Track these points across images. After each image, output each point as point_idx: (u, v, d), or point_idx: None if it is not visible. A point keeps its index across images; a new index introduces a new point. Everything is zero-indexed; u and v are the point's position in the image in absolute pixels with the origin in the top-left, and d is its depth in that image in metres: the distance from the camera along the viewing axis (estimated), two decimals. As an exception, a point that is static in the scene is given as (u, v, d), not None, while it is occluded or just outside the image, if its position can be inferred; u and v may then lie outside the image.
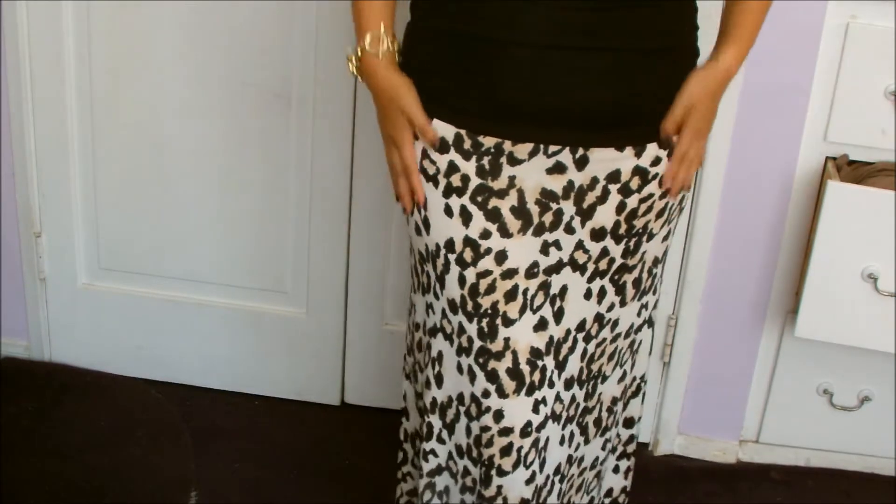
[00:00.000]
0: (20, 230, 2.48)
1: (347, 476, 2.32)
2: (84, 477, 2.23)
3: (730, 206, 2.24)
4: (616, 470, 1.88)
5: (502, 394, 1.59)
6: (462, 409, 1.63)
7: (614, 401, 1.75)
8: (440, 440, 1.68)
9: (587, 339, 1.64)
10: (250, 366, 2.54)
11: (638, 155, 1.52)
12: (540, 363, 1.60)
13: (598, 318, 1.64)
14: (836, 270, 2.08)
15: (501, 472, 1.61)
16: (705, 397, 2.42)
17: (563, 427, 1.67)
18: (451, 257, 1.56)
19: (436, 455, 1.70)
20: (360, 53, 1.55)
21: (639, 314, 1.70)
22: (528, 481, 1.63)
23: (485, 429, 1.61)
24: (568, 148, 1.50)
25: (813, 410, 2.38)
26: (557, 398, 1.63)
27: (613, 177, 1.53)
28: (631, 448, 1.88)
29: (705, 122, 1.55)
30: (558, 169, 1.51)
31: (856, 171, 2.14)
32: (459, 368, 1.61)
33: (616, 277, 1.62)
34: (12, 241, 2.50)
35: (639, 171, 1.53)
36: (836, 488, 2.38)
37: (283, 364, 2.53)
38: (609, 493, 1.90)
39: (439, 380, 1.64)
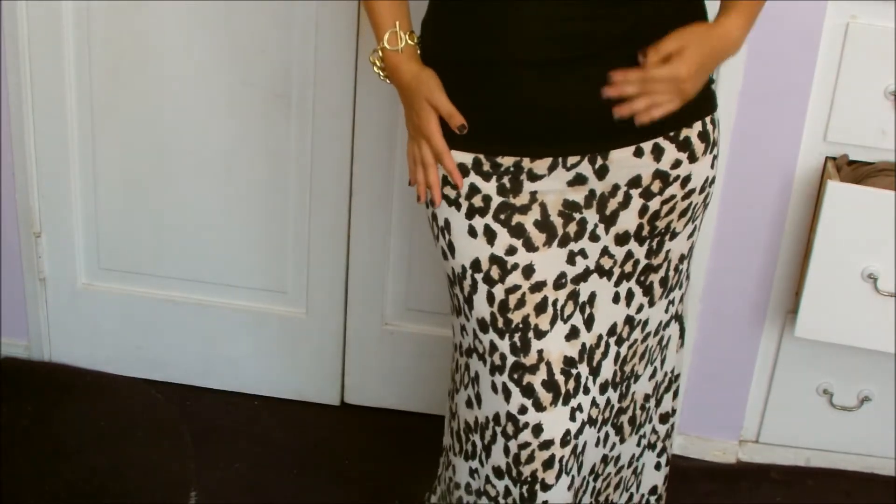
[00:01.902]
0: (20, 230, 2.48)
1: (347, 476, 2.32)
2: (84, 477, 2.23)
3: (730, 206, 2.24)
4: (658, 467, 1.88)
5: (539, 407, 1.59)
6: (499, 429, 1.62)
7: (646, 398, 1.76)
8: (481, 461, 1.68)
9: (619, 343, 1.65)
10: (250, 366, 2.54)
11: (657, 159, 1.53)
12: (574, 371, 1.60)
13: (629, 320, 1.65)
14: (836, 270, 2.08)
15: (546, 487, 1.62)
16: (705, 397, 2.42)
17: (599, 430, 1.68)
18: (479, 277, 1.57)
19: (476, 477, 1.70)
20: (380, 53, 1.56)
21: (666, 311, 1.71)
22: (570, 487, 1.64)
23: (524, 445, 1.61)
24: (587, 159, 1.51)
25: (813, 410, 2.38)
26: (593, 403, 1.64)
27: (634, 182, 1.54)
28: (669, 443, 1.88)
29: (687, 73, 1.45)
30: (579, 181, 1.53)
31: (856, 171, 2.14)
32: (494, 388, 1.61)
33: (642, 279, 1.63)
34: (12, 241, 2.50)
35: (659, 175, 1.54)
36: (836, 488, 2.38)
37: (283, 364, 2.53)
38: (654, 490, 1.90)
39: (479, 400, 1.65)
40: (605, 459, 1.74)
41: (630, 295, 1.63)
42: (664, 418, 1.84)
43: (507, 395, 1.60)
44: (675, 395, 1.84)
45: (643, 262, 1.62)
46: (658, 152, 1.53)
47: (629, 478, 1.82)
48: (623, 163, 1.52)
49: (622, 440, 1.76)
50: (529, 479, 1.62)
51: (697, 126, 1.56)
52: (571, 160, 1.51)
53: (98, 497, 2.18)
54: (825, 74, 2.11)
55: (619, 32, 1.44)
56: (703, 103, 1.56)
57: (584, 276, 1.59)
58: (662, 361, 1.77)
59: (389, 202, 2.34)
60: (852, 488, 2.38)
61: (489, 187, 1.54)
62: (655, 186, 1.55)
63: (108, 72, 2.34)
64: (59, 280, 2.53)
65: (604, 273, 1.60)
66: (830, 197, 2.04)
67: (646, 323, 1.68)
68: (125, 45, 2.31)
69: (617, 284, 1.61)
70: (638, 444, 1.80)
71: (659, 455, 1.87)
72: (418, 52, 1.56)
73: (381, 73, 1.58)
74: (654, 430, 1.82)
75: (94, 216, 2.47)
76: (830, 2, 2.06)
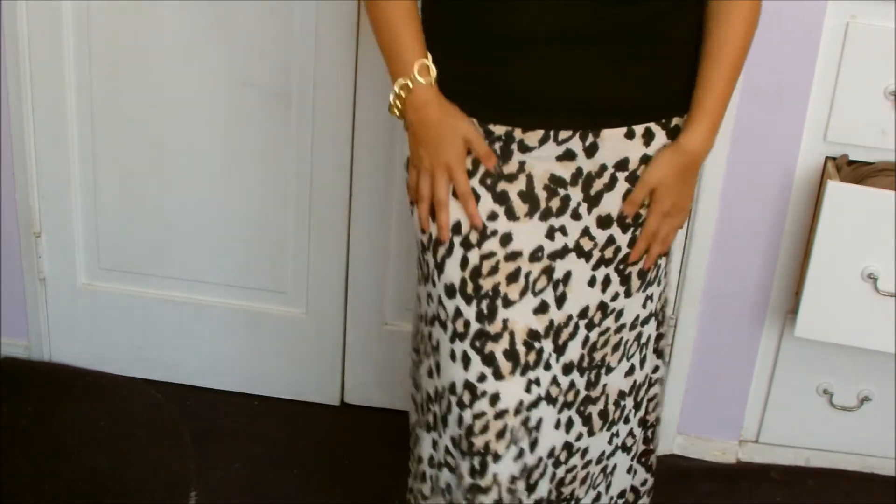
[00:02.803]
0: (20, 230, 2.48)
1: (347, 476, 2.32)
2: (84, 477, 2.23)
3: (730, 206, 2.24)
4: (630, 471, 1.85)
5: (499, 376, 1.58)
6: (454, 398, 1.61)
7: (622, 395, 1.74)
8: (438, 432, 1.67)
9: (589, 327, 1.64)
10: (250, 366, 2.54)
11: (647, 144, 1.54)
12: (537, 345, 1.59)
13: (602, 306, 1.63)
14: (836, 270, 2.08)
15: (497, 458, 1.60)
16: (705, 397, 2.42)
17: (560, 411, 1.66)
18: (457, 239, 1.57)
19: (437, 449, 1.69)
20: (410, 85, 1.49)
21: (644, 305, 1.69)
22: (517, 458, 1.62)
23: (479, 415, 1.59)
24: (578, 135, 1.51)
25: (813, 410, 2.38)
26: (554, 381, 1.63)
27: (622, 165, 1.54)
28: (650, 448, 1.86)
29: (674, 204, 1.57)
30: (568, 156, 1.53)
31: (856, 171, 2.14)
32: (452, 356, 1.60)
33: (621, 267, 1.62)
34: (12, 241, 2.50)
35: (647, 160, 1.55)
36: (835, 488, 2.38)
37: (283, 364, 2.53)
38: (622, 493, 1.87)
39: (438, 369, 1.64)
40: (569, 448, 1.70)
41: (607, 281, 1.61)
42: (643, 423, 1.81)
43: (467, 362, 1.58)
44: (657, 402, 1.82)
45: (625, 250, 1.60)
46: (648, 137, 1.54)
47: (597, 475, 1.78)
48: (613, 143, 1.52)
49: (591, 432, 1.72)
50: (482, 450, 1.60)
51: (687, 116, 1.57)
52: (563, 134, 1.51)
53: (98, 497, 2.18)
54: (825, 74, 2.11)
55: (622, 19, 1.45)
56: (692, 91, 1.58)
57: (561, 254, 1.58)
58: (642, 361, 1.74)
59: (389, 202, 2.34)
60: (852, 488, 2.38)
61: None
62: (641, 171, 1.56)
63: (108, 72, 2.34)
64: (59, 280, 2.53)
65: (582, 254, 1.59)
66: (830, 197, 2.04)
67: (620, 313, 1.65)
68: (125, 45, 2.31)
69: (595, 268, 1.60)
70: (609, 442, 1.76)
71: (633, 459, 1.83)
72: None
73: (399, 110, 1.52)
74: (630, 433, 1.79)
75: (94, 216, 2.47)
76: (830, 2, 2.06)
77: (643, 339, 1.73)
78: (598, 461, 1.77)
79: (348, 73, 2.26)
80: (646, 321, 1.71)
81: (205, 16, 2.26)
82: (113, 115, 2.37)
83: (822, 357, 2.31)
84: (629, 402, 1.76)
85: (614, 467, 1.80)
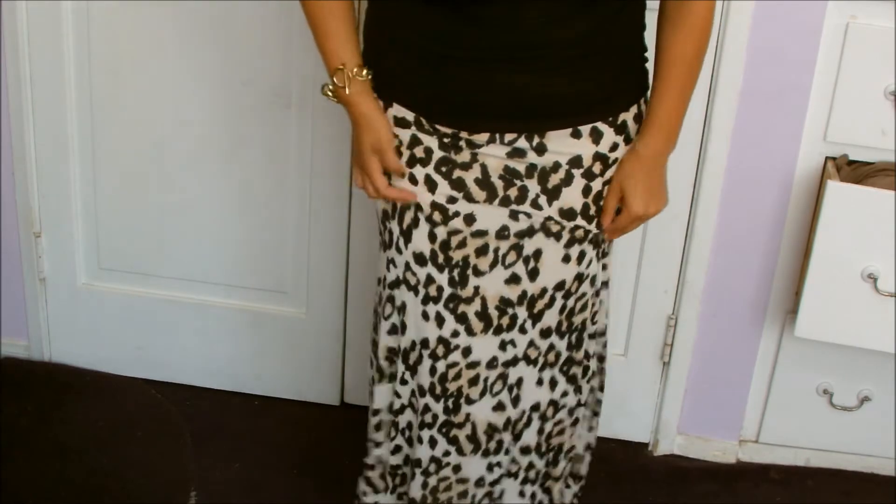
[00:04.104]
0: (20, 230, 2.48)
1: (347, 476, 2.32)
2: (84, 477, 2.23)
3: (730, 206, 2.24)
4: (591, 429, 1.95)
5: (471, 332, 1.67)
6: (426, 352, 1.70)
7: (594, 356, 1.83)
8: (403, 381, 1.76)
9: (567, 296, 1.69)
10: (250, 366, 2.54)
11: (596, 142, 1.57)
12: (510, 311, 1.66)
13: (579, 277, 1.68)
14: (836, 270, 2.08)
15: (469, 401, 1.71)
16: (705, 397, 2.42)
17: (542, 371, 1.74)
18: (421, 216, 1.62)
19: (399, 396, 1.78)
20: (331, 88, 1.63)
21: (604, 268, 1.76)
22: (496, 409, 1.73)
23: (452, 365, 1.69)
24: (524, 136, 1.54)
25: (813, 410, 2.38)
26: (531, 344, 1.70)
27: (575, 162, 1.57)
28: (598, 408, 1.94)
29: (644, 198, 1.61)
30: (518, 154, 1.56)
31: (856, 171, 2.14)
32: (425, 315, 1.67)
33: (594, 241, 1.67)
34: (12, 241, 2.50)
35: (599, 157, 1.58)
36: (835, 488, 2.38)
37: (283, 364, 2.53)
38: (588, 446, 1.96)
39: (403, 327, 1.71)
40: (555, 405, 1.78)
41: (582, 255, 1.66)
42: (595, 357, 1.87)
43: (441, 321, 1.67)
44: (601, 362, 1.89)
45: (594, 231, 1.65)
46: (596, 135, 1.57)
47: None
48: (560, 142, 1.55)
49: (578, 391, 1.80)
50: (455, 393, 1.71)
51: (633, 109, 1.60)
52: (509, 137, 1.55)
53: (98, 497, 2.18)
54: (825, 74, 2.11)
55: (569, 37, 1.48)
56: (638, 86, 1.62)
57: (528, 233, 1.62)
58: (597, 313, 1.81)
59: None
60: (852, 488, 2.38)
61: (431, 140, 1.58)
62: (597, 168, 1.59)
63: (108, 71, 2.34)
64: (59, 280, 2.53)
65: (551, 234, 1.63)
66: (830, 197, 2.04)
67: (594, 279, 1.72)
68: (125, 45, 2.31)
69: (568, 246, 1.64)
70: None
71: (594, 416, 1.93)
72: (370, 85, 1.61)
73: (333, 100, 1.63)
74: (590, 389, 1.88)
75: (94, 216, 2.47)
76: (830, 2, 2.06)
77: (600, 300, 1.80)
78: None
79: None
80: (605, 284, 1.80)
81: (204, 15, 2.26)
82: (113, 115, 2.37)
83: (822, 357, 2.31)
84: (594, 363, 1.85)
85: (582, 419, 1.90)
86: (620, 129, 1.59)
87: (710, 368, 2.39)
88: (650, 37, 1.61)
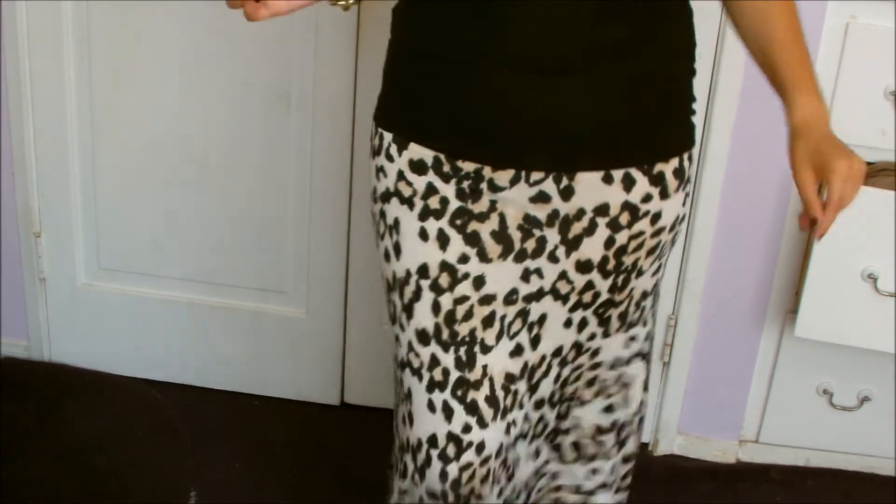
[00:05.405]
0: (20, 230, 2.48)
1: (347, 476, 2.32)
2: (84, 477, 2.23)
3: (730, 206, 2.24)
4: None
5: (483, 424, 1.51)
6: (435, 452, 1.52)
7: (600, 430, 1.67)
8: (414, 482, 1.57)
9: (562, 364, 1.57)
10: (250, 366, 2.54)
11: (627, 189, 1.43)
12: (513, 387, 1.52)
13: (577, 345, 1.56)
14: (836, 270, 2.08)
15: (479, 497, 1.54)
16: (705, 397, 2.42)
17: (530, 443, 1.62)
18: (425, 283, 1.48)
19: (410, 497, 1.60)
20: None
21: (626, 346, 1.61)
22: (499, 495, 1.58)
23: (465, 466, 1.51)
24: (552, 177, 1.41)
25: (813, 410, 2.38)
26: (525, 418, 1.58)
27: (601, 210, 1.44)
28: (626, 483, 1.80)
29: (844, 153, 1.40)
30: (542, 198, 1.43)
31: (856, 171, 2.13)
32: (431, 406, 1.51)
33: (601, 311, 1.54)
34: (12, 241, 2.50)
35: (628, 207, 1.45)
36: (835, 488, 2.38)
37: (283, 364, 2.53)
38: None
39: (411, 419, 1.54)
40: (537, 473, 1.67)
41: (584, 323, 1.54)
42: (627, 460, 1.75)
43: (449, 413, 1.50)
44: (640, 437, 1.75)
45: (605, 295, 1.51)
46: (629, 182, 1.43)
47: (571, 500, 1.73)
48: (590, 187, 1.42)
49: (562, 460, 1.68)
50: (467, 496, 1.53)
51: (674, 162, 1.46)
52: (535, 176, 1.41)
53: (98, 497, 2.18)
54: (825, 74, 2.10)
55: (608, 44, 1.35)
56: (682, 138, 1.49)
57: (537, 296, 1.49)
58: (625, 401, 1.66)
59: (389, 202, 2.34)
60: (852, 488, 2.38)
61: (448, 189, 1.44)
62: (624, 219, 1.45)
63: (108, 72, 2.34)
64: (59, 280, 2.53)
65: (559, 297, 1.50)
66: (830, 197, 2.03)
67: (596, 352, 1.58)
68: (125, 45, 2.31)
69: (572, 311, 1.52)
70: (588, 479, 1.71)
71: (616, 493, 1.77)
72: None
73: None
74: (612, 470, 1.72)
75: (94, 216, 2.47)
76: (830, 2, 2.06)
77: (624, 379, 1.65)
78: (577, 491, 1.73)
79: (348, 73, 2.26)
80: (629, 361, 1.63)
81: (204, 15, 2.26)
82: (113, 116, 2.37)
83: (822, 357, 2.31)
84: (610, 439, 1.69)
85: (590, 499, 1.75)
86: (656, 180, 1.44)
87: (710, 368, 2.39)
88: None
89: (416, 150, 1.45)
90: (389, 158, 1.47)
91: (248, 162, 2.37)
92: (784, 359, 2.35)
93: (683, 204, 1.52)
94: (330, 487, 2.28)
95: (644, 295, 1.57)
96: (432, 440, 1.52)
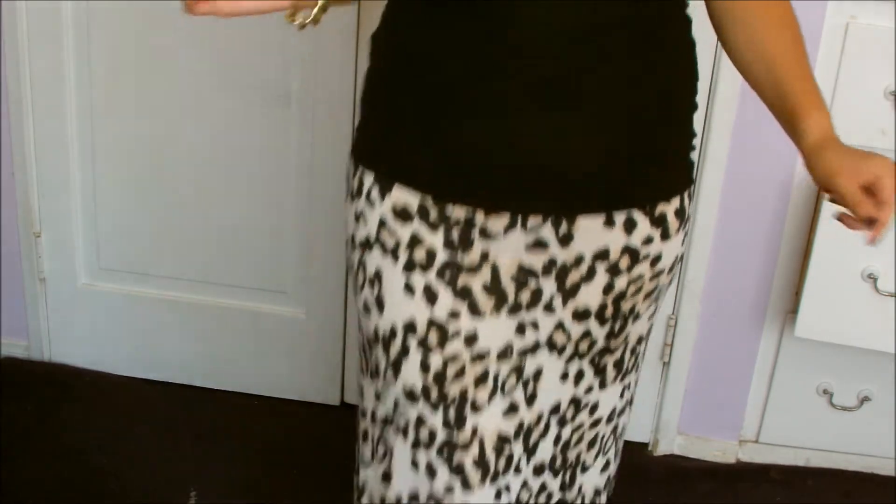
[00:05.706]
0: (20, 230, 2.48)
1: (347, 476, 2.32)
2: (84, 477, 2.23)
3: (730, 206, 2.24)
4: None
5: (467, 486, 1.40)
6: None
7: (597, 492, 1.61)
8: None
9: (562, 423, 1.47)
10: (250, 366, 2.54)
11: (628, 232, 1.35)
12: (507, 449, 1.42)
13: (575, 401, 1.47)
14: (836, 270, 2.08)
15: None
16: (705, 397, 2.42)
17: None
18: (412, 342, 1.37)
19: None
20: None
21: (621, 395, 1.52)
22: None
23: None
24: (550, 222, 1.32)
25: (813, 410, 2.38)
26: (525, 485, 1.48)
27: (601, 255, 1.36)
28: None
29: (871, 156, 1.28)
30: (539, 245, 1.34)
31: (856, 171, 2.13)
32: (415, 465, 1.41)
33: (596, 360, 1.45)
34: (12, 241, 2.50)
35: (629, 251, 1.37)
36: (835, 488, 2.38)
37: (283, 364, 2.53)
38: None
39: (389, 476, 1.45)
40: None
41: (580, 375, 1.45)
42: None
43: (432, 473, 1.40)
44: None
45: (601, 343, 1.43)
46: (630, 225, 1.35)
47: None
48: (590, 232, 1.33)
49: None
50: None
51: (675, 202, 1.39)
52: (532, 221, 1.31)
53: (98, 497, 2.18)
54: (825, 74, 2.10)
55: (609, 77, 1.27)
56: (683, 176, 1.41)
57: (532, 350, 1.40)
58: (617, 454, 1.60)
59: (389, 202, 2.34)
60: (852, 488, 2.38)
61: (435, 239, 1.33)
62: (623, 263, 1.37)
63: (108, 72, 2.34)
64: (59, 280, 2.53)
65: (555, 349, 1.41)
66: (830, 197, 2.04)
67: (595, 407, 1.49)
68: (125, 45, 2.31)
69: (568, 362, 1.43)
70: None
71: None
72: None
73: None
74: None
75: (94, 216, 2.47)
76: (830, 2, 2.06)
77: (619, 431, 1.58)
78: None
79: (348, 73, 2.26)
80: (622, 412, 1.56)
81: (204, 16, 2.25)
82: (113, 115, 2.37)
83: (822, 357, 2.31)
84: (603, 498, 1.63)
85: None
86: (658, 221, 1.36)
87: (710, 368, 2.39)
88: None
89: (400, 196, 1.33)
90: (370, 204, 1.36)
91: (247, 162, 2.37)
92: (784, 359, 2.35)
93: (682, 243, 1.45)
94: (330, 487, 2.28)
95: (639, 340, 1.50)
96: (413, 498, 1.43)
